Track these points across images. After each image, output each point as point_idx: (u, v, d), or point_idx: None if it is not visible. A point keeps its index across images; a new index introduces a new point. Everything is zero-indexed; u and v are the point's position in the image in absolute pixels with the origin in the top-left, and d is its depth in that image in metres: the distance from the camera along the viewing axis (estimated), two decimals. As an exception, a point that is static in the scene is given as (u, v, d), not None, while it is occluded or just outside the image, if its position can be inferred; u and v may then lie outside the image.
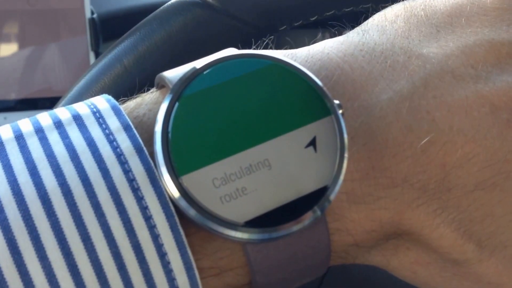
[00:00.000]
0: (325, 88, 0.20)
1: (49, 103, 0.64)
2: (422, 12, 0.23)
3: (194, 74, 0.20)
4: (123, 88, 0.33)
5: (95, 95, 0.34)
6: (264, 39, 0.28)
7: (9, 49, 0.63)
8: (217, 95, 0.20)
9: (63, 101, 0.34)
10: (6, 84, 0.63)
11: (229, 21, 0.32)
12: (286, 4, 0.31)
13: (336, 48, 0.22)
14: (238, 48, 0.33)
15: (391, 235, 0.21)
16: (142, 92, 0.33)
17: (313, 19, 0.31)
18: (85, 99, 0.34)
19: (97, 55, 0.64)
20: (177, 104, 0.20)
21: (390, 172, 0.20)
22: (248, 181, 0.19)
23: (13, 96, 0.63)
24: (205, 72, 0.20)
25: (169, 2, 0.33)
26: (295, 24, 0.32)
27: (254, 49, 0.25)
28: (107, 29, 0.67)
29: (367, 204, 0.20)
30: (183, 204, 0.19)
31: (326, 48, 0.23)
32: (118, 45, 0.33)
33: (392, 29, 0.23)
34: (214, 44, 0.32)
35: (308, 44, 0.24)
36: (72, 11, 0.62)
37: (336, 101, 0.21)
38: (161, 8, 0.33)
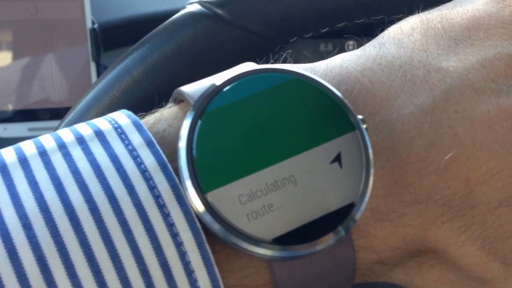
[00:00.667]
0: (348, 103, 0.20)
1: (49, 114, 0.64)
2: (439, 25, 0.23)
3: (216, 90, 0.20)
4: (133, 99, 0.33)
5: (104, 107, 0.33)
6: (282, 52, 0.28)
7: (8, 59, 0.62)
8: (240, 110, 0.20)
9: (72, 113, 0.34)
10: (5, 94, 0.62)
11: (239, 32, 0.32)
12: (296, 16, 0.31)
13: (354, 62, 0.22)
14: (250, 60, 0.33)
15: (415, 253, 0.21)
16: (152, 104, 0.33)
17: (324, 30, 0.31)
18: (95, 110, 0.33)
19: (98, 65, 0.64)
20: (200, 120, 0.20)
21: (413, 188, 0.20)
22: (274, 198, 0.19)
23: (12, 106, 0.63)
24: (226, 88, 0.20)
25: (178, 14, 0.33)
26: (306, 36, 0.32)
27: (270, 62, 0.25)
28: (107, 39, 0.66)
29: (391, 221, 0.20)
30: (208, 219, 0.18)
31: (344, 62, 0.22)
32: (127, 57, 0.33)
33: (409, 42, 0.23)
34: (224, 55, 0.32)
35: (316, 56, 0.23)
36: (73, 21, 0.62)
37: (360, 116, 0.20)
38: (170, 19, 0.33)
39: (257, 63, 0.34)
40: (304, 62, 0.25)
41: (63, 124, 0.34)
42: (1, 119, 0.63)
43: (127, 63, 0.33)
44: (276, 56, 0.26)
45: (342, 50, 0.57)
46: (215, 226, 0.18)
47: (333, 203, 0.19)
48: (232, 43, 0.32)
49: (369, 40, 0.25)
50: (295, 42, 0.33)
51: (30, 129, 0.63)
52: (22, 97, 0.63)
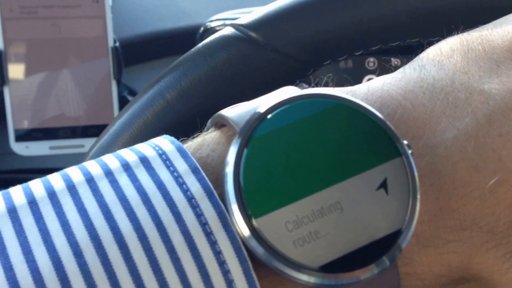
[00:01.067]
0: (393, 128, 0.20)
1: (70, 132, 0.64)
2: (480, 47, 0.23)
3: (262, 116, 0.20)
4: (166, 123, 0.33)
5: (137, 130, 0.33)
6: (317, 75, 0.28)
7: (30, 76, 0.63)
8: (285, 136, 0.20)
9: (105, 136, 0.34)
10: (26, 112, 0.63)
11: (273, 55, 0.32)
12: (331, 40, 0.31)
13: (395, 85, 0.22)
14: (284, 83, 0.33)
15: (459, 280, 0.21)
16: (185, 127, 0.33)
17: (358, 53, 0.31)
18: (128, 133, 0.33)
19: (119, 83, 0.64)
20: (246, 146, 0.20)
21: (458, 214, 0.20)
22: (321, 225, 0.19)
23: (33, 125, 0.63)
24: (272, 114, 0.20)
25: (212, 37, 0.33)
26: (340, 59, 0.32)
27: (312, 86, 0.25)
28: (126, 55, 0.67)
29: (436, 248, 0.20)
30: (253, 244, 0.18)
31: (385, 85, 0.22)
32: (159, 80, 0.33)
33: (450, 64, 0.22)
34: (258, 78, 0.32)
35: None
36: (95, 40, 0.63)
37: (405, 141, 0.20)
38: (204, 43, 0.33)
39: (291, 85, 0.34)
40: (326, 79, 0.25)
41: (96, 146, 0.34)
42: (23, 137, 0.63)
43: (160, 87, 0.33)
44: (317, 79, 0.26)
45: (362, 67, 0.57)
46: (260, 251, 0.18)
47: (379, 231, 0.19)
48: (266, 66, 0.32)
49: (407, 60, 0.25)
50: (328, 65, 0.33)
51: (51, 147, 0.64)
52: (43, 115, 0.63)
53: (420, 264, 0.20)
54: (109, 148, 0.34)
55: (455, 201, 0.20)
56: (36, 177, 0.66)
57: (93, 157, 0.34)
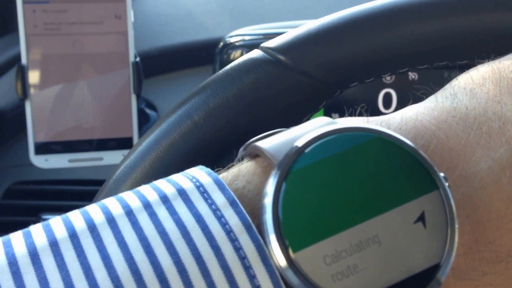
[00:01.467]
0: (430, 161, 0.20)
1: (89, 145, 0.64)
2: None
3: (300, 150, 0.20)
4: (193, 143, 0.33)
5: (164, 150, 0.34)
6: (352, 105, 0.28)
7: (51, 91, 0.63)
8: (323, 171, 0.20)
9: (132, 155, 0.34)
10: (46, 125, 0.63)
11: (300, 78, 0.32)
12: (359, 62, 0.31)
13: (428, 115, 0.22)
14: (312, 105, 0.33)
15: None
16: (212, 148, 0.33)
17: (386, 75, 0.31)
18: (155, 153, 0.34)
19: (138, 97, 0.64)
20: (285, 180, 0.20)
21: (494, 246, 0.20)
22: (359, 259, 0.19)
23: (53, 138, 0.64)
24: (309, 148, 0.20)
25: (240, 60, 0.33)
26: (367, 81, 0.32)
27: (347, 114, 0.25)
28: (144, 68, 0.67)
29: (472, 280, 0.20)
30: (293, 279, 0.18)
31: (419, 115, 0.22)
32: (187, 101, 0.34)
33: (482, 92, 0.22)
34: (284, 100, 0.32)
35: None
36: (116, 55, 0.63)
37: (441, 174, 0.20)
38: (232, 65, 0.33)
39: (317, 106, 0.34)
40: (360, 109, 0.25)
41: (123, 166, 0.34)
42: (42, 150, 0.64)
43: (187, 107, 0.33)
44: (350, 109, 0.26)
45: (379, 80, 0.57)
46: (297, 283, 0.18)
47: (418, 265, 0.19)
48: (293, 88, 0.32)
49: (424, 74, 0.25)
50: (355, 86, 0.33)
51: (70, 160, 0.64)
52: (63, 129, 0.64)
53: None
54: (135, 167, 0.34)
55: (491, 232, 0.20)
56: (56, 189, 0.67)
57: (119, 177, 0.34)
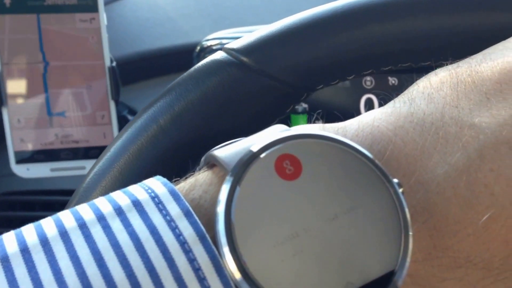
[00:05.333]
0: (383, 168, 0.20)
1: (71, 153, 0.64)
2: (469, 79, 0.22)
3: (252, 157, 0.20)
4: (160, 148, 0.33)
5: (132, 156, 0.34)
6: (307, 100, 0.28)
7: (28, 98, 0.63)
8: (277, 176, 0.20)
9: (100, 163, 0.34)
10: (26, 134, 0.63)
11: (265, 80, 0.32)
12: (324, 65, 0.31)
13: (385, 120, 0.22)
14: (277, 108, 0.33)
15: None
16: (179, 153, 0.33)
17: (351, 77, 0.31)
18: (123, 160, 0.34)
19: (117, 103, 0.64)
20: (239, 185, 0.20)
21: (452, 251, 0.20)
22: (313, 265, 0.19)
23: (34, 146, 0.63)
24: (264, 154, 0.20)
25: (203, 62, 0.33)
26: (332, 83, 0.32)
27: (313, 121, 0.25)
28: (123, 74, 0.67)
29: (432, 286, 0.20)
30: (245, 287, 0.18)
31: (376, 120, 0.22)
32: (152, 105, 0.34)
33: (440, 97, 0.22)
34: (250, 102, 0.32)
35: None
36: (91, 60, 0.63)
37: (395, 180, 0.20)
38: (195, 68, 0.33)
39: (284, 110, 0.34)
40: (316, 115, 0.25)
41: (92, 174, 0.34)
42: (24, 159, 0.63)
43: (153, 111, 0.33)
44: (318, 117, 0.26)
45: (359, 85, 0.57)
46: None
47: (373, 271, 0.19)
48: (258, 91, 0.32)
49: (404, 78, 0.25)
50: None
51: (52, 169, 0.64)
52: (44, 137, 0.63)
53: None
54: (104, 174, 0.34)
55: (449, 238, 0.20)
56: (39, 199, 0.66)
57: (89, 185, 0.34)
